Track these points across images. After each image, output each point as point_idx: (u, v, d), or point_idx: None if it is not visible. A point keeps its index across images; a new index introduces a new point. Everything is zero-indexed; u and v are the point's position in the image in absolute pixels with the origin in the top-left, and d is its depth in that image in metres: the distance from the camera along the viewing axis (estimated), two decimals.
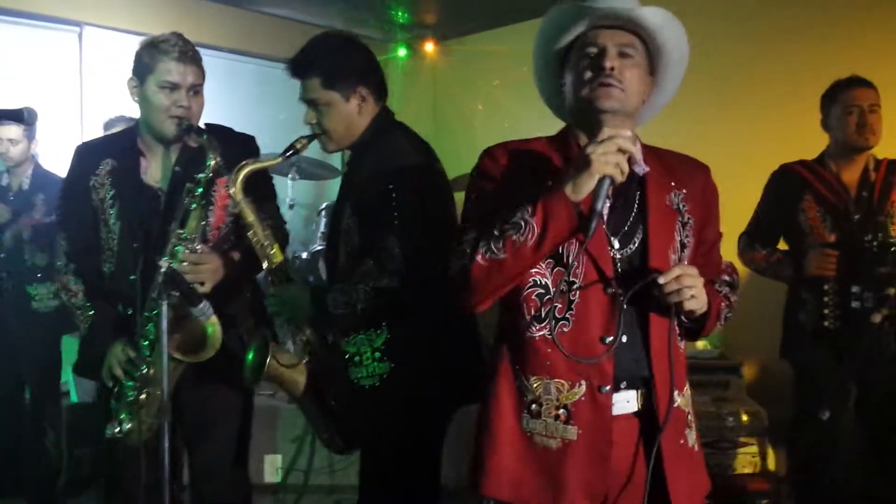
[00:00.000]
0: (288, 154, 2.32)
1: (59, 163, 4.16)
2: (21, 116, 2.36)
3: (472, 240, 1.69)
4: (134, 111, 3.60)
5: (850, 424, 3.20)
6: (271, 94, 5.62)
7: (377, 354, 2.23)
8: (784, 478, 3.68)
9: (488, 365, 1.89)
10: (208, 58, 2.56)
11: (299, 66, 2.33)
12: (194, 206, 2.31)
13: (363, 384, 2.24)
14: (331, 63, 2.30)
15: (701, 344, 4.23)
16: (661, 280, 1.66)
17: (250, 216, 2.29)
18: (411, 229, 2.16)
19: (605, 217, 1.74)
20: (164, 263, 2.20)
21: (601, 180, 1.62)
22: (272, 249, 2.32)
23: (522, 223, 1.63)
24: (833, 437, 3.14)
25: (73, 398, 4.41)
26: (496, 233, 1.65)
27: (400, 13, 5.82)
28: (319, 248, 4.75)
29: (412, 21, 6.02)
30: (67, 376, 4.38)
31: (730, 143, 4.61)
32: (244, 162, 2.29)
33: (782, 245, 3.35)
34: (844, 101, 3.15)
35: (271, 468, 4.03)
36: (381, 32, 6.19)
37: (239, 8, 5.63)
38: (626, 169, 1.63)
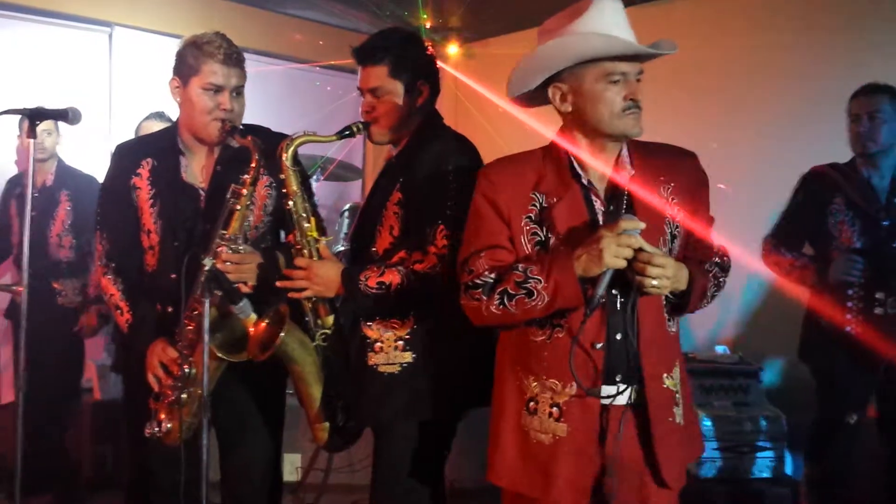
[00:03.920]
0: (344, 135, 2.35)
1: (87, 161, 4.23)
2: (66, 116, 2.43)
3: (488, 288, 1.88)
4: (165, 109, 3.70)
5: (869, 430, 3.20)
6: (297, 96, 5.67)
7: (400, 343, 2.26)
8: (803, 483, 3.67)
9: (495, 365, 2.06)
10: None
11: (368, 53, 2.35)
12: (239, 207, 2.32)
13: (381, 371, 2.27)
14: (400, 53, 2.33)
15: (721, 349, 4.23)
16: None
17: (293, 185, 2.32)
18: (461, 222, 2.19)
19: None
20: (207, 263, 2.20)
21: (607, 270, 1.76)
22: (308, 223, 2.33)
23: (534, 292, 1.81)
24: (854, 443, 3.13)
25: (97, 395, 4.44)
26: (510, 291, 1.84)
27: (423, 15, 5.85)
28: (342, 248, 4.77)
29: (435, 23, 6.04)
30: (91, 373, 4.43)
31: (748, 148, 4.59)
32: (300, 132, 2.32)
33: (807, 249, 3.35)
34: (849, 110, 3.22)
35: (291, 467, 4.05)
36: None
37: (266, 10, 5.68)
38: (630, 255, 1.76)
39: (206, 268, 2.20)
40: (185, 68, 2.39)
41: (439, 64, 2.47)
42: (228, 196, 2.33)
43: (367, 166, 6.20)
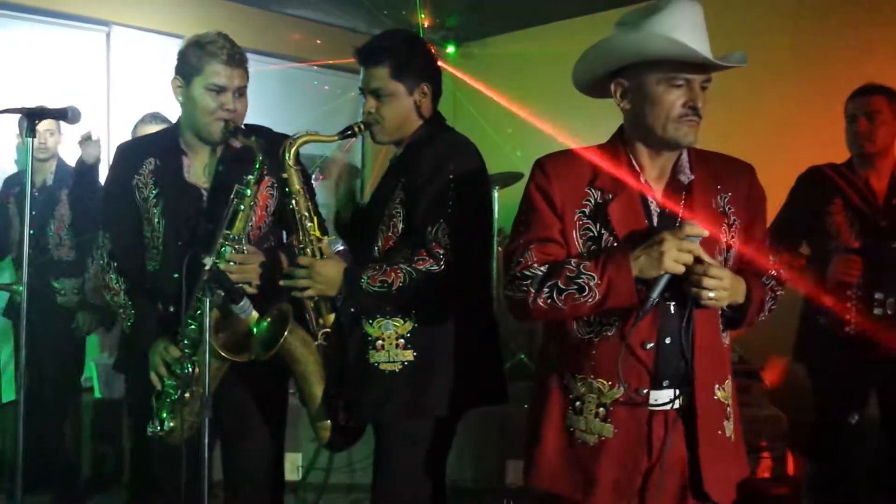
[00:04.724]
0: (346, 134, 2.35)
1: None
2: (66, 115, 2.42)
3: (537, 281, 1.82)
4: (163, 109, 3.68)
5: (867, 430, 3.20)
6: (294, 95, 5.67)
7: (401, 341, 2.26)
8: (803, 483, 3.67)
9: (537, 364, 2.04)
10: None
11: (370, 54, 2.36)
12: (243, 207, 2.31)
13: (382, 368, 2.27)
14: (402, 55, 2.34)
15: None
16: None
17: (296, 185, 2.32)
18: (462, 222, 2.21)
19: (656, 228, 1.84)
20: (207, 262, 2.19)
21: (664, 274, 1.73)
22: (311, 222, 2.33)
23: (586, 288, 1.76)
24: (854, 442, 3.13)
25: (97, 394, 4.43)
26: (561, 286, 1.78)
27: (421, 15, 5.85)
28: (341, 248, 4.76)
29: (433, 23, 6.05)
30: (91, 372, 4.42)
31: (746, 149, 4.58)
32: (301, 132, 2.33)
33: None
34: (846, 111, 3.22)
35: (292, 466, 4.03)
36: None
37: (263, 9, 5.68)
38: (690, 261, 1.74)
39: (207, 267, 2.20)
40: (187, 68, 2.38)
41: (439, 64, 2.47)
42: (232, 196, 2.32)
43: (366, 166, 6.20)
